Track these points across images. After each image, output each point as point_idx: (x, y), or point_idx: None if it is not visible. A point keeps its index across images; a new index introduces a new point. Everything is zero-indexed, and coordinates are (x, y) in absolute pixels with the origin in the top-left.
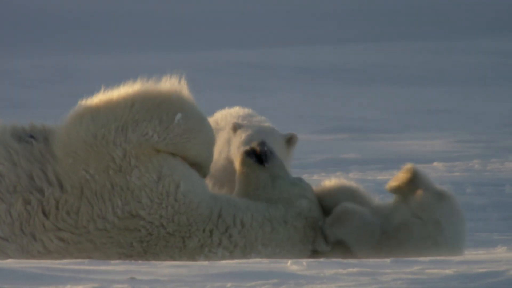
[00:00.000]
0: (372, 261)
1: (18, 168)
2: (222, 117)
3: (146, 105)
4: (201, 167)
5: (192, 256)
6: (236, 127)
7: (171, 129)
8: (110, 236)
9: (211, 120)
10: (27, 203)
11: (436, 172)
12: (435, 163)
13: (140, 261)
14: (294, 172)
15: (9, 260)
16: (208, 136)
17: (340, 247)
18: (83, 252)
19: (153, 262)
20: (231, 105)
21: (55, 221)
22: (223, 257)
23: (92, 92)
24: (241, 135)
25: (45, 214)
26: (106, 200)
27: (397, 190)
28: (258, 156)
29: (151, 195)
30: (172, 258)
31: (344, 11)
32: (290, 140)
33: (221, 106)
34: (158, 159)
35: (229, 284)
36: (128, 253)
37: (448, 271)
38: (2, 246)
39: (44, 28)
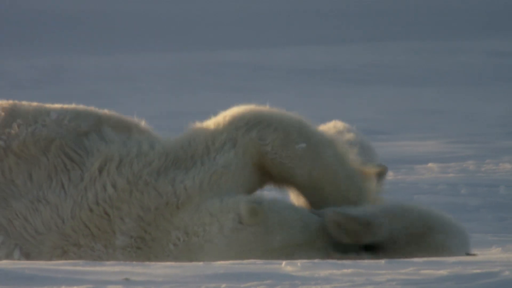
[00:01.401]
0: (366, 262)
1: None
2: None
3: (288, 117)
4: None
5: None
6: None
7: (289, 149)
8: (142, 192)
9: None
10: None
11: (430, 173)
12: (429, 164)
13: (134, 262)
14: None
15: (3, 261)
16: (312, 174)
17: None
18: (120, 203)
19: (147, 263)
20: (225, 105)
21: (123, 168)
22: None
23: (85, 92)
24: None
25: (119, 164)
26: (175, 164)
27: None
28: None
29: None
30: (163, 233)
31: (339, 12)
32: None
33: (216, 106)
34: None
35: (223, 285)
36: (144, 218)
37: (442, 272)
38: (54, 204)
39: (36, 29)
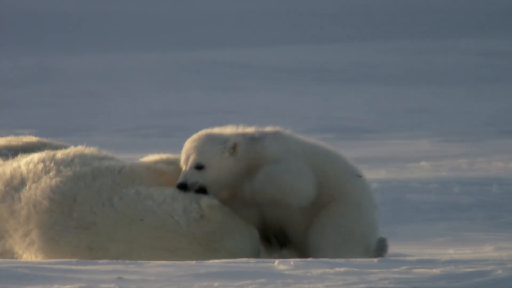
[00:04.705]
0: (359, 260)
1: None
2: None
3: None
4: None
5: None
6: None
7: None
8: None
9: None
10: None
11: (423, 172)
12: (422, 163)
13: (127, 261)
14: None
15: None
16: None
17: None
18: None
19: (140, 261)
20: (213, 105)
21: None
22: None
23: (73, 91)
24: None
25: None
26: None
27: None
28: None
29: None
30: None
31: (326, 11)
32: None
33: (203, 105)
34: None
35: (216, 284)
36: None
37: (435, 271)
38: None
39: (25, 29)
